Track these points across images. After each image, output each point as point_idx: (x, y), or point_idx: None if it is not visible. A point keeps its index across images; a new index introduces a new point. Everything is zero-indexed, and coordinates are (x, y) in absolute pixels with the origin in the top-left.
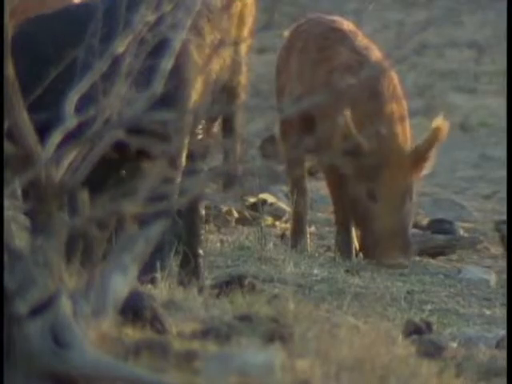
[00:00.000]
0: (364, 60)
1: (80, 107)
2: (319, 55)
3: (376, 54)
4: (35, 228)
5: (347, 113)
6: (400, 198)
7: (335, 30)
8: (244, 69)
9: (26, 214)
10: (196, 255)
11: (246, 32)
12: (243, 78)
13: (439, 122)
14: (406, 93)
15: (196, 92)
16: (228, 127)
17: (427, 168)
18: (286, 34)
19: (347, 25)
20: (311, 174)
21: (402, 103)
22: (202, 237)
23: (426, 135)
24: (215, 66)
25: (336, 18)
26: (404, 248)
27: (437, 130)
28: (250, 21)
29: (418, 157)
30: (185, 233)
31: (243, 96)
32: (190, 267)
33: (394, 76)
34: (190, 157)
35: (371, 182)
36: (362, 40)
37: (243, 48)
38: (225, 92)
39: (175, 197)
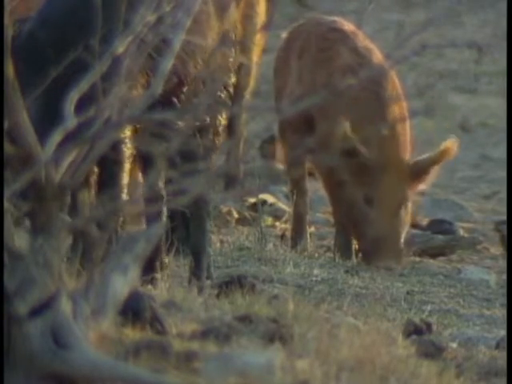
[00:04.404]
0: (365, 61)
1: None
2: (319, 56)
3: (377, 54)
4: (35, 228)
5: (346, 122)
6: (396, 205)
7: (335, 31)
8: (254, 71)
9: (26, 214)
10: (204, 253)
11: (257, 34)
12: (252, 80)
13: (450, 142)
14: (405, 93)
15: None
16: (230, 128)
17: (426, 183)
18: (284, 35)
19: (347, 25)
20: (311, 174)
21: (402, 105)
22: (210, 235)
23: (433, 152)
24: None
25: (336, 18)
26: (395, 254)
27: (446, 151)
28: (259, 22)
29: (419, 171)
30: (193, 231)
31: (247, 97)
32: (193, 265)
33: (394, 77)
34: (192, 156)
35: (369, 187)
36: (362, 41)
37: (255, 50)
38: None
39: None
